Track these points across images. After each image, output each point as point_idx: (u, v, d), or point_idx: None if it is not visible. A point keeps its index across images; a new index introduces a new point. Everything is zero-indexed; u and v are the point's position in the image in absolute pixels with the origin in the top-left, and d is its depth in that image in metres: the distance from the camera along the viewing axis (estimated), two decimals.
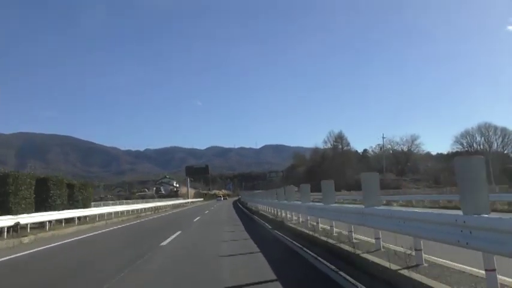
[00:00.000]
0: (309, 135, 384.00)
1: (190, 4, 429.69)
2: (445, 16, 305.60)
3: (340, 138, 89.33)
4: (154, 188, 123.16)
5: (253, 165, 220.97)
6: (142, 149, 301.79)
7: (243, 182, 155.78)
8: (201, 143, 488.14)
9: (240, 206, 41.02)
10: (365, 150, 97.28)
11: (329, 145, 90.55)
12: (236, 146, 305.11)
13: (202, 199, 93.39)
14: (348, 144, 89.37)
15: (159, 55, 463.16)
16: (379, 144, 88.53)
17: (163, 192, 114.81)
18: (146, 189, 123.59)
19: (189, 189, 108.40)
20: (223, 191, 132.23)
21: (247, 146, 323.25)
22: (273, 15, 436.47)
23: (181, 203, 58.72)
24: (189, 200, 74.33)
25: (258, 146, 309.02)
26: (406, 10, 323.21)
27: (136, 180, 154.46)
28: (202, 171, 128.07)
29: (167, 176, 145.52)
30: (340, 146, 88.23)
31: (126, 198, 60.17)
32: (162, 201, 52.16)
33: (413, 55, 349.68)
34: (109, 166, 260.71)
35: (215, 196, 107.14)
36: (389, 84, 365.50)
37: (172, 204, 49.41)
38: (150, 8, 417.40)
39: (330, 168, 68.50)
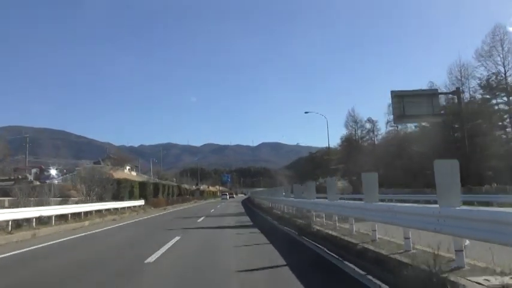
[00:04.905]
0: (309, 135, 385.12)
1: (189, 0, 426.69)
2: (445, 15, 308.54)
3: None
4: (34, 171, 50.61)
5: (249, 162, 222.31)
6: (136, 145, 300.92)
7: (241, 178, 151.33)
8: (196, 140, 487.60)
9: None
10: None
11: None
12: (232, 143, 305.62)
13: (140, 202, 31.12)
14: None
15: (154, 51, 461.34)
16: None
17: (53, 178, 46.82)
18: (28, 175, 48.00)
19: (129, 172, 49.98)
20: (216, 187, 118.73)
21: (243, 143, 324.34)
22: (271, 12, 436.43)
23: None
24: None
25: (255, 144, 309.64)
26: (406, 7, 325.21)
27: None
28: None
29: (111, 156, 73.78)
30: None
31: None
32: None
33: (414, 49, 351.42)
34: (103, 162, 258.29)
35: (198, 193, 75.90)
36: (389, 81, 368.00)
37: None
38: (148, 4, 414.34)
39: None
